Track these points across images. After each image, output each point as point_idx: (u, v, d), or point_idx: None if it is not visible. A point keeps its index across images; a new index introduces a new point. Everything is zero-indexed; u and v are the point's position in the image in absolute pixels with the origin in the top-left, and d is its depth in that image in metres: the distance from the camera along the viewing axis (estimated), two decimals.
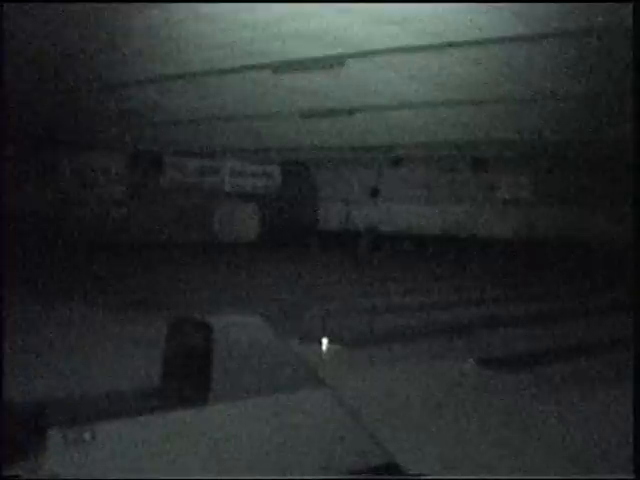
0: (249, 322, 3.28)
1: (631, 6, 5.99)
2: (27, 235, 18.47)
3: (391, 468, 3.08)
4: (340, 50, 8.84)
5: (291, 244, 24.19)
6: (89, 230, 20.56)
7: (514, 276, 16.96)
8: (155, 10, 7.56)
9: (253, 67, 9.87)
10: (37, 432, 2.41)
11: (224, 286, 12.87)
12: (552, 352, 7.71)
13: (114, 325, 8.54)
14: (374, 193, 24.59)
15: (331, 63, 9.40)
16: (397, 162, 22.42)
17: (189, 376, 3.03)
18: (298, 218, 25.95)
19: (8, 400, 2.99)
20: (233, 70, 10.16)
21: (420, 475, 3.60)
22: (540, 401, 5.63)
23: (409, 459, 3.66)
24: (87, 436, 2.45)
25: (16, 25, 7.95)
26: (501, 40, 8.23)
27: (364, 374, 6.41)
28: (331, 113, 13.39)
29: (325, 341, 7.78)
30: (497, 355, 7.38)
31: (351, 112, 13.26)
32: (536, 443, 4.57)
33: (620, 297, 12.24)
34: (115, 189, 21.37)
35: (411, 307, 10.75)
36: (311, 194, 26.36)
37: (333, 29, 8.00)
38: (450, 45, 8.42)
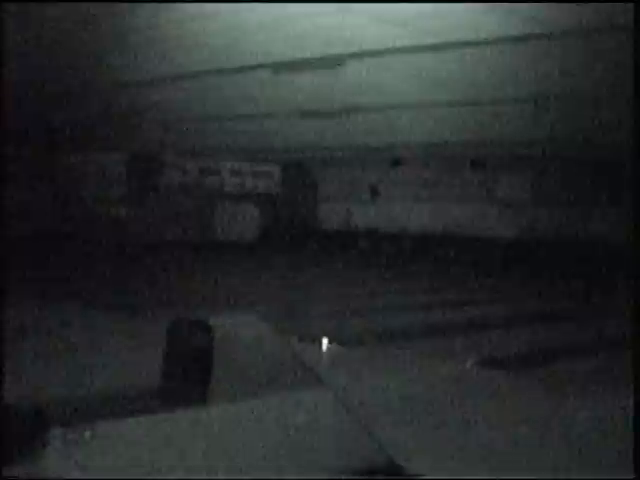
0: (249, 322, 3.28)
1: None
2: (27, 235, 18.46)
3: (391, 468, 3.07)
4: (340, 50, 8.84)
5: (291, 244, 24.19)
6: (89, 230, 20.55)
7: (514, 276, 16.95)
8: (155, 10, 7.55)
9: (253, 67, 9.87)
10: (37, 432, 2.41)
11: (224, 286, 12.87)
12: (552, 352, 7.71)
13: (113, 325, 8.53)
14: (374, 193, 24.60)
15: (331, 63, 9.40)
16: (397, 162, 22.43)
17: (189, 376, 3.03)
18: (298, 218, 25.95)
19: (8, 400, 2.99)
20: (233, 70, 10.16)
21: (420, 475, 3.60)
22: (540, 401, 5.63)
23: (409, 459, 3.65)
24: (87, 436, 2.45)
25: (16, 25, 7.94)
26: (501, 40, 8.23)
27: (364, 374, 6.41)
28: (331, 113, 13.39)
29: (325, 341, 7.79)
30: (497, 355, 7.38)
31: (351, 112, 13.26)
32: (536, 443, 4.57)
33: (620, 297, 12.23)
34: (115, 189, 21.37)
35: (411, 307, 10.75)
36: (311, 194, 26.35)
37: (333, 29, 8.00)
38: (450, 45, 8.42)
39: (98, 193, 21.02)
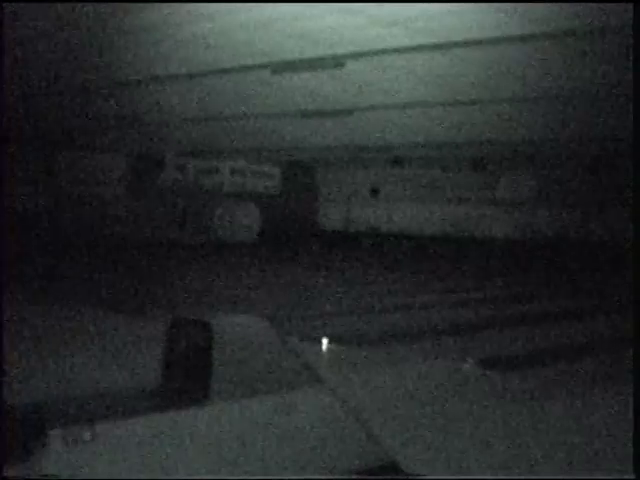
0: (249, 322, 3.28)
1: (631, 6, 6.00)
2: (27, 235, 18.46)
3: (391, 468, 3.08)
4: (340, 50, 8.84)
5: (291, 244, 24.19)
6: (89, 230, 20.56)
7: (514, 276, 16.96)
8: (155, 10, 7.56)
9: (253, 67, 9.88)
10: (37, 432, 2.41)
11: (224, 286, 12.87)
12: (552, 352, 7.71)
13: (113, 325, 8.53)
14: (374, 193, 24.60)
15: (331, 63, 9.40)
16: (397, 162, 22.44)
17: (189, 376, 3.03)
18: (298, 218, 25.96)
19: (8, 400, 2.99)
20: (233, 70, 10.16)
21: (420, 475, 3.60)
22: (540, 401, 5.63)
23: (409, 459, 3.65)
24: (87, 436, 2.45)
25: (16, 25, 7.95)
26: (501, 40, 8.23)
27: (364, 374, 6.41)
28: (331, 113, 13.40)
29: (325, 341, 7.78)
30: (497, 355, 7.38)
31: (351, 112, 13.27)
32: (536, 443, 4.56)
33: (620, 297, 12.24)
34: (115, 189, 21.37)
35: (411, 307, 10.75)
36: (311, 194, 26.35)
37: (333, 29, 8.00)
38: (450, 45, 8.43)
39: (98, 193, 21.03)
